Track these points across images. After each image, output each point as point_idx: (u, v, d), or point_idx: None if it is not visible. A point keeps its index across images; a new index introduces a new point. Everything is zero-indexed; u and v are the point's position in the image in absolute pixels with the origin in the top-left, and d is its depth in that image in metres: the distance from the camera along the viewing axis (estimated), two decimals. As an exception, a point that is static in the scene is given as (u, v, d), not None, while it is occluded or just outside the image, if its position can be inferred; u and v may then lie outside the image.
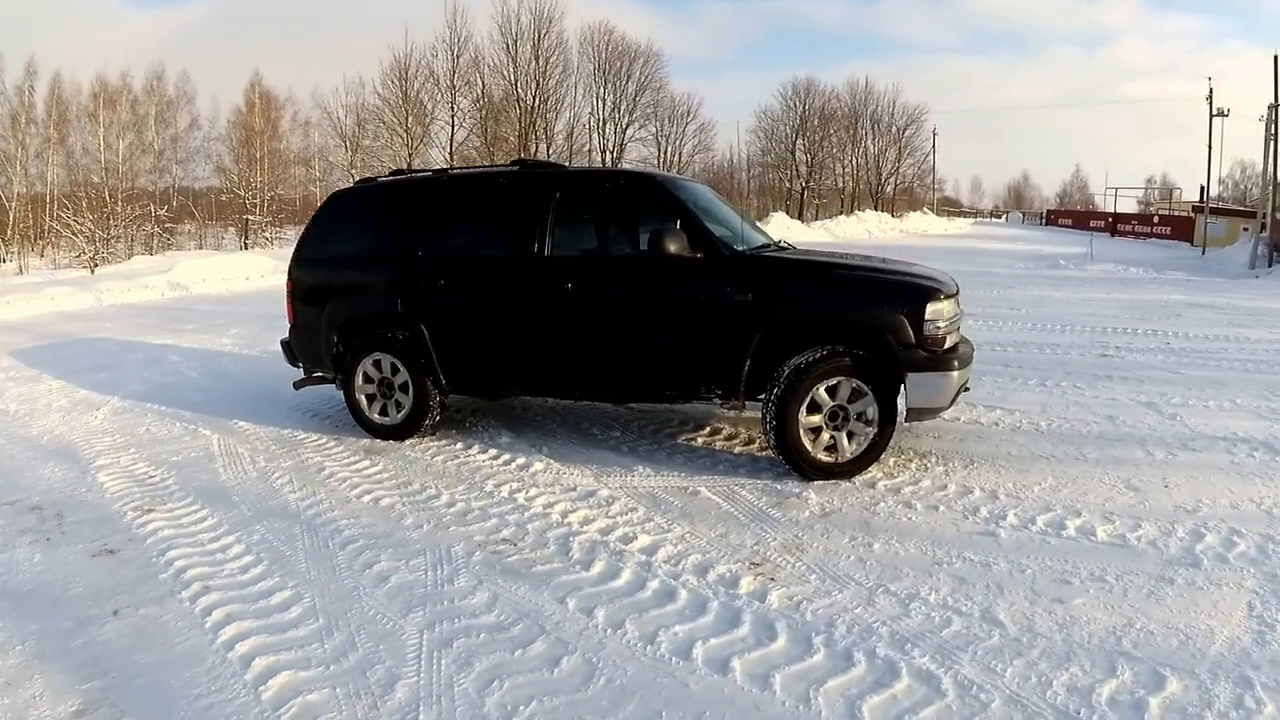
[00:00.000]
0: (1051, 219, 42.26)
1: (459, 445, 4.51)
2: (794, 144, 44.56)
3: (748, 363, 3.86)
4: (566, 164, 5.46)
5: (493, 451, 4.36)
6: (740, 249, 4.12)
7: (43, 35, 54.60)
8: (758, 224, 5.63)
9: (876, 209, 38.92)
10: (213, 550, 3.13)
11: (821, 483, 3.70)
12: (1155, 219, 30.22)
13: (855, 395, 3.76)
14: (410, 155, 32.07)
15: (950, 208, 52.50)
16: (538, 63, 34.51)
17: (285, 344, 5.10)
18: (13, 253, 22.98)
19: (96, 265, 18.80)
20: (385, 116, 31.97)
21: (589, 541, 3.13)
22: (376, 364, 4.66)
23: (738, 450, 4.32)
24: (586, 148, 39.35)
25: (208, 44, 59.38)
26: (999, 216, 53.93)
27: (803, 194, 44.56)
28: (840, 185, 46.12)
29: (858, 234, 26.39)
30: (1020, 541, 3.02)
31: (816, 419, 3.76)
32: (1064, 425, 4.58)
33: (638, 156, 41.65)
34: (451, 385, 4.57)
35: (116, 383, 6.20)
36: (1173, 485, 3.57)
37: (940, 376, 3.68)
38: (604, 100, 38.19)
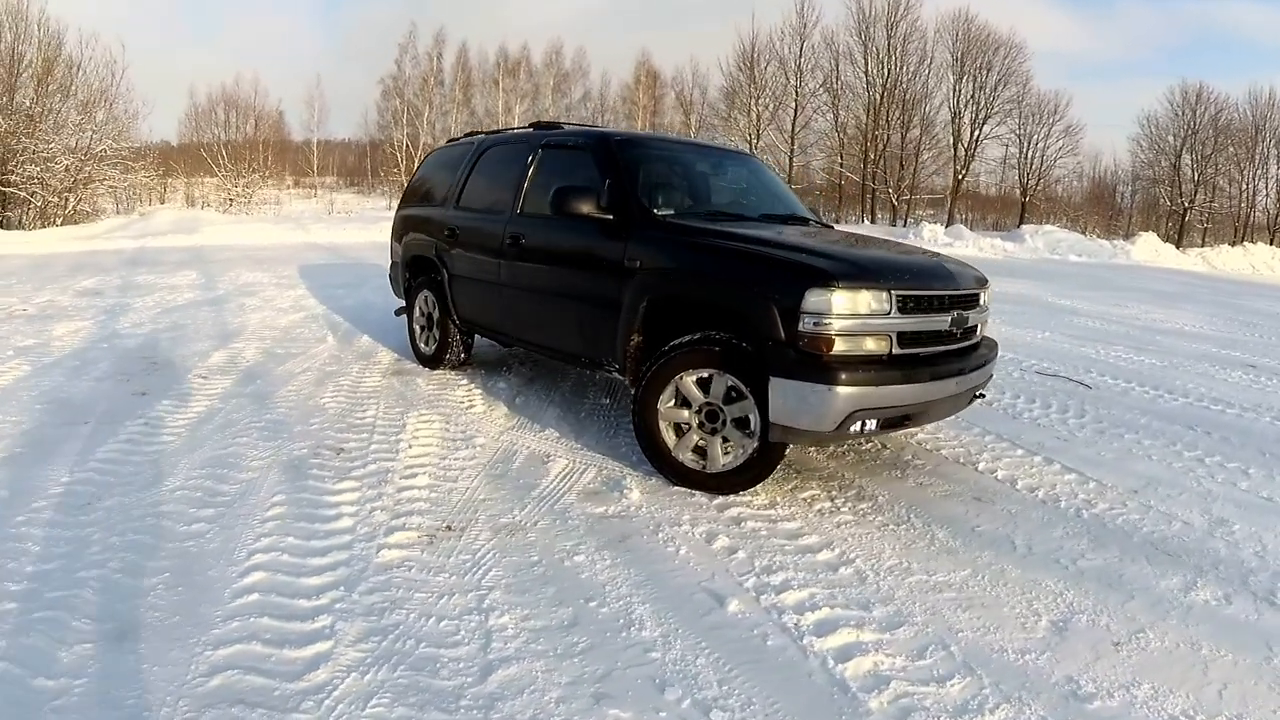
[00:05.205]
0: None
1: (463, 381, 5.01)
2: (1178, 158, 35.57)
3: (635, 337, 3.59)
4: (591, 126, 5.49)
5: (478, 393, 4.75)
6: (664, 214, 3.79)
7: (453, 8, 67.27)
8: (801, 202, 4.82)
9: (1273, 243, 29.32)
10: (197, 399, 4.25)
11: (670, 490, 3.28)
12: None
13: (733, 395, 3.25)
14: (756, 136, 33.53)
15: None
16: (890, 48, 32.70)
17: (390, 276, 6.17)
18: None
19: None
20: (733, 98, 33.84)
21: (389, 469, 3.38)
22: (425, 299, 5.40)
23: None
24: (940, 141, 36.28)
25: (600, 24, 68.25)
26: None
27: (1183, 215, 35.25)
28: (1235, 210, 35.44)
29: (1240, 267, 20.49)
30: (721, 624, 2.30)
31: (685, 414, 3.36)
32: (1125, 517, 3.21)
33: (994, 156, 37.13)
34: (464, 325, 5.07)
35: (337, 298, 8.06)
36: (1131, 647, 2.27)
37: (809, 389, 2.88)
38: (959, 91, 34.57)
